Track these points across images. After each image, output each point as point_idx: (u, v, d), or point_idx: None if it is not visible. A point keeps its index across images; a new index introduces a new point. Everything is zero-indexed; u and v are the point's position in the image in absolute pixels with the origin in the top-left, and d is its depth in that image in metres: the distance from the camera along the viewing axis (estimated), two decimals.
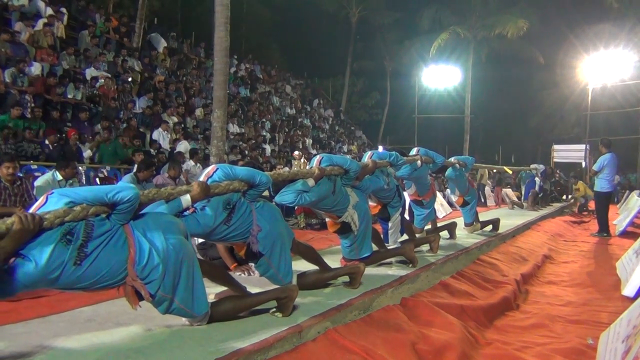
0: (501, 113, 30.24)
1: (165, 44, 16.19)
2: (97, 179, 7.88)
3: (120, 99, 11.39)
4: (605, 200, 8.89)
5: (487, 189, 15.71)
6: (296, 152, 13.00)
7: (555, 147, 22.21)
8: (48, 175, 5.89)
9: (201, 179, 3.00)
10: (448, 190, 12.38)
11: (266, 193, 3.49)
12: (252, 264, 3.76)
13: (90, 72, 11.43)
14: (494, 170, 16.50)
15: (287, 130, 17.69)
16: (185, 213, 2.85)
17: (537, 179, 13.49)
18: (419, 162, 5.50)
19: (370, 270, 4.12)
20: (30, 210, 2.16)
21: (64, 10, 12.85)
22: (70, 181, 5.87)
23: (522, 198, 14.15)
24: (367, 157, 4.67)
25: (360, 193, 4.22)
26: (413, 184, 5.73)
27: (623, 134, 22.05)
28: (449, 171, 6.55)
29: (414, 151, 5.82)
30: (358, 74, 29.83)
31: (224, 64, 8.75)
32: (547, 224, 10.02)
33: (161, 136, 10.84)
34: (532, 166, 14.30)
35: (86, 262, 2.18)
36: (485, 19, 23.05)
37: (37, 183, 5.74)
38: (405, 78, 28.14)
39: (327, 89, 29.16)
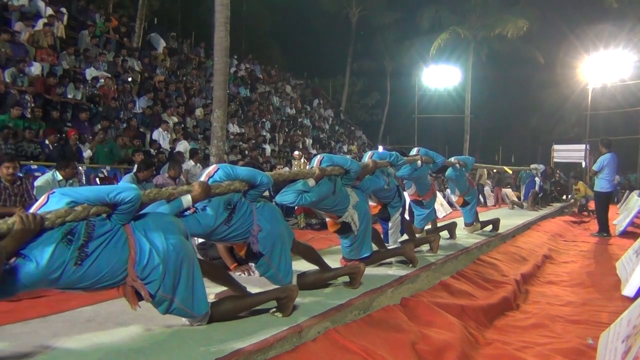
0: (501, 113, 30.24)
1: (165, 45, 16.19)
2: (97, 179, 7.88)
3: (120, 99, 11.39)
4: (605, 200, 8.89)
5: (487, 189, 15.70)
6: (296, 152, 13.00)
7: (555, 147, 22.21)
8: (48, 175, 5.89)
9: (202, 178, 3.00)
10: (448, 190, 12.38)
11: (266, 193, 3.49)
12: (252, 264, 3.77)
13: (90, 72, 11.43)
14: (494, 171, 16.50)
15: (287, 130, 17.69)
16: (186, 213, 2.85)
17: (537, 179, 13.49)
18: (419, 162, 5.49)
19: (370, 270, 4.12)
20: (32, 210, 2.16)
21: (64, 10, 12.85)
22: (70, 181, 5.87)
23: (522, 198, 14.14)
24: (367, 157, 4.67)
25: (360, 193, 4.22)
26: (413, 184, 5.73)
27: (623, 134, 22.03)
28: (449, 171, 6.55)
29: (414, 151, 5.82)
30: (358, 74, 29.82)
31: (224, 64, 8.75)
32: (547, 224, 10.02)
33: (161, 136, 10.84)
34: (532, 166, 14.30)
35: (87, 262, 2.18)
36: (485, 19, 23.05)
37: (37, 183, 5.75)
38: (406, 78, 28.15)
39: (327, 89, 29.16)
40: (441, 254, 5.25)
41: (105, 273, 2.25)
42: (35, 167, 7.20)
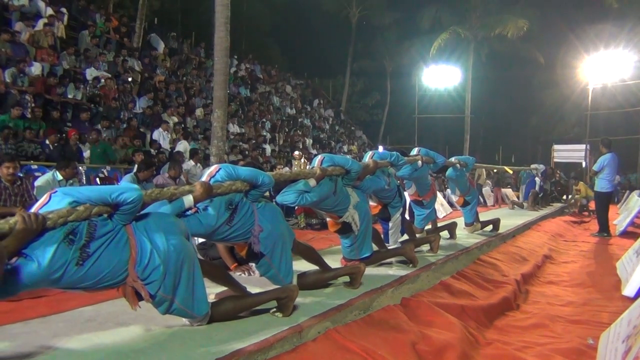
0: (501, 113, 30.25)
1: (164, 46, 16.19)
2: (97, 179, 7.88)
3: (120, 99, 11.40)
4: (606, 200, 8.89)
5: (487, 189, 15.70)
6: (296, 152, 13.00)
7: (556, 147, 22.20)
8: (48, 175, 5.89)
9: (204, 178, 3.00)
10: (448, 190, 12.39)
11: (266, 193, 3.49)
12: (252, 264, 3.76)
13: (90, 72, 11.43)
14: (494, 171, 16.49)
15: (287, 130, 17.70)
16: (188, 213, 2.85)
17: (537, 179, 13.48)
18: (419, 162, 5.49)
19: (370, 270, 4.12)
20: (33, 209, 2.16)
21: (64, 10, 12.86)
22: (71, 181, 5.87)
23: (522, 198, 14.13)
24: (368, 157, 4.67)
25: (360, 193, 4.22)
26: (413, 184, 5.73)
27: (623, 134, 22.03)
28: (449, 171, 6.55)
29: (414, 151, 5.82)
30: (358, 74, 29.83)
31: (224, 64, 8.75)
32: (548, 224, 10.02)
33: (161, 136, 10.84)
34: (533, 166, 14.29)
35: (88, 263, 2.17)
36: (485, 19, 23.06)
37: (37, 183, 5.75)
38: (406, 78, 28.16)
39: (328, 89, 29.17)
40: (441, 254, 5.25)
41: (106, 273, 2.25)
42: (35, 167, 7.20)
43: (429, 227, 6.30)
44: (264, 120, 16.93)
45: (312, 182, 3.62)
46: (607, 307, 4.13)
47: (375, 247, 4.48)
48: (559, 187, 15.58)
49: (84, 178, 7.52)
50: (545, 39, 24.67)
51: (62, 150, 8.03)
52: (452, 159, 6.67)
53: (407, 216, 5.57)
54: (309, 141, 18.02)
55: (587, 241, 8.40)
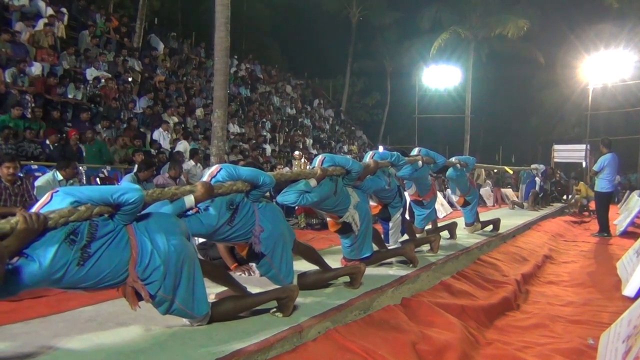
0: (502, 113, 30.23)
1: (164, 46, 16.19)
2: (98, 179, 7.88)
3: (120, 99, 11.40)
4: (606, 200, 8.88)
5: (487, 189, 15.69)
6: (296, 152, 13.00)
7: (556, 147, 22.20)
8: (48, 175, 5.90)
9: (205, 178, 3.00)
10: (448, 190, 12.39)
11: (267, 193, 3.49)
12: (253, 264, 3.76)
13: (90, 72, 11.44)
14: (495, 171, 16.49)
15: (287, 130, 17.70)
16: (189, 213, 2.85)
17: (537, 179, 13.48)
18: (420, 162, 5.49)
19: (370, 270, 4.12)
20: (34, 208, 2.15)
21: (64, 10, 12.86)
22: (71, 181, 5.88)
23: (522, 198, 14.13)
24: (368, 157, 4.67)
25: (361, 193, 4.22)
26: (413, 184, 5.73)
27: (623, 134, 22.02)
28: (450, 171, 6.55)
29: (415, 151, 5.82)
30: (358, 74, 29.84)
31: (225, 64, 8.75)
32: (548, 224, 10.01)
33: (161, 136, 10.84)
34: (533, 166, 14.29)
35: (89, 263, 2.17)
36: (485, 19, 23.05)
37: (37, 183, 5.75)
38: (406, 78, 28.15)
39: (328, 89, 29.17)
40: (442, 254, 5.25)
41: (107, 273, 2.25)
42: (35, 167, 7.20)
43: (429, 227, 6.30)
44: (264, 120, 16.93)
45: (313, 182, 3.61)
46: (607, 307, 4.13)
47: (375, 247, 4.47)
48: (559, 187, 15.58)
49: (84, 178, 7.52)
50: (546, 39, 24.66)
51: (62, 150, 8.03)
52: (453, 159, 6.67)
53: (407, 216, 5.57)
54: (309, 141, 18.02)
55: (588, 241, 8.40)
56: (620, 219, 10.85)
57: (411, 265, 4.51)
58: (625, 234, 8.94)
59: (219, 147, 8.48)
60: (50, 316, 2.91)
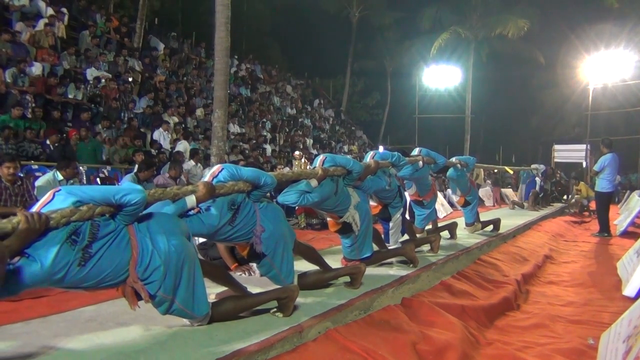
0: (502, 113, 30.22)
1: (164, 46, 16.19)
2: (98, 179, 7.88)
3: (120, 99, 11.41)
4: (606, 200, 8.88)
5: (487, 189, 15.70)
6: (297, 152, 13.00)
7: (556, 147, 22.19)
8: (49, 175, 5.90)
9: (206, 178, 3.00)
10: (449, 190, 12.41)
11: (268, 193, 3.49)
12: (253, 264, 3.76)
13: (91, 72, 11.44)
14: (495, 171, 16.49)
15: (287, 130, 17.70)
16: (190, 213, 2.85)
17: (537, 179, 13.48)
18: (420, 162, 5.49)
19: (371, 270, 4.12)
20: (36, 207, 2.15)
21: (64, 10, 12.86)
22: (71, 181, 5.88)
23: (522, 198, 14.14)
24: (369, 158, 4.67)
25: (361, 193, 4.22)
26: (414, 184, 5.73)
27: (624, 134, 22.02)
28: (450, 171, 6.55)
29: (415, 151, 5.83)
30: (359, 74, 29.83)
31: (225, 64, 8.75)
32: (548, 224, 10.01)
33: (162, 136, 10.85)
34: (533, 166, 14.30)
35: (90, 263, 2.17)
36: (486, 19, 23.04)
37: (37, 183, 5.75)
38: (406, 78, 28.13)
39: (328, 89, 29.17)
40: (442, 254, 5.25)
41: (107, 273, 2.25)
42: (36, 167, 7.21)
43: (429, 227, 6.30)
44: (265, 120, 16.94)
45: (314, 182, 3.62)
46: (607, 307, 4.13)
47: (375, 247, 4.47)
48: (559, 187, 15.58)
49: (84, 178, 7.53)
50: (546, 39, 24.65)
51: (62, 150, 8.03)
52: (453, 159, 6.67)
53: (407, 216, 5.57)
54: (309, 141, 18.02)
55: (588, 241, 8.39)
56: (620, 219, 10.85)
57: (411, 265, 4.51)
58: (626, 234, 8.94)
59: (219, 147, 8.48)
60: (51, 316, 2.91)
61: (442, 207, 11.22)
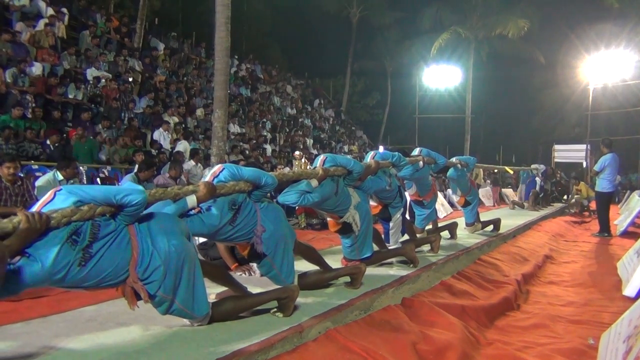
0: (502, 113, 30.25)
1: (164, 46, 16.20)
2: (98, 179, 7.88)
3: (121, 99, 11.41)
4: (607, 201, 8.88)
5: (488, 189, 15.70)
6: (297, 152, 13.00)
7: (556, 147, 22.21)
8: (49, 175, 5.89)
9: (207, 178, 3.00)
10: (449, 190, 12.41)
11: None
12: (253, 264, 3.76)
13: (91, 72, 11.44)
14: (495, 170, 16.49)
15: (287, 130, 17.70)
16: (191, 213, 2.85)
17: (537, 179, 13.48)
18: (421, 162, 5.49)
19: (371, 271, 4.12)
20: (37, 206, 2.15)
21: (64, 10, 12.86)
22: (72, 181, 5.87)
23: (522, 198, 14.13)
24: (369, 158, 4.67)
25: (361, 193, 4.22)
26: (414, 184, 5.72)
27: (624, 134, 22.04)
28: (450, 171, 6.55)
29: (416, 151, 5.83)
30: (359, 74, 29.85)
31: (225, 64, 8.75)
32: (548, 224, 10.01)
33: (162, 136, 10.85)
34: (533, 166, 14.30)
35: (90, 263, 2.17)
36: (486, 19, 23.05)
37: (38, 183, 5.75)
38: (406, 78, 28.15)
39: (328, 89, 29.17)
40: (442, 254, 5.25)
41: (107, 273, 2.25)
42: (36, 167, 7.21)
43: (429, 227, 6.30)
44: (265, 120, 16.94)
45: (314, 182, 3.62)
46: (608, 307, 4.13)
47: (375, 247, 4.47)
48: (559, 187, 15.58)
49: (85, 178, 7.53)
50: (546, 39, 24.68)
51: (62, 150, 8.03)
52: (453, 159, 6.67)
53: (407, 216, 5.57)
54: (309, 141, 18.02)
55: (588, 241, 8.39)
56: (620, 219, 10.84)
57: (412, 265, 4.50)
58: (626, 234, 8.94)
59: (219, 147, 8.48)
60: (51, 316, 2.91)
61: (442, 207, 11.22)
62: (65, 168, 5.78)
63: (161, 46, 16.07)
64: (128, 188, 2.39)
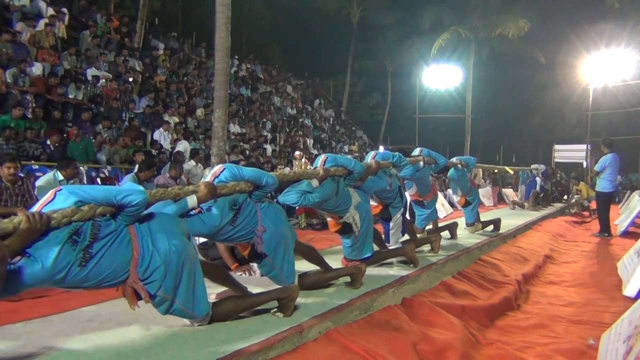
0: (502, 113, 30.24)
1: (164, 46, 16.20)
2: (98, 179, 7.89)
3: (121, 99, 11.42)
4: (607, 201, 8.88)
5: (488, 189, 15.69)
6: (297, 152, 13.01)
7: (557, 147, 22.20)
8: (49, 175, 5.89)
9: (208, 178, 3.00)
10: (449, 190, 12.41)
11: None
12: (254, 264, 3.77)
13: (91, 72, 11.44)
14: (495, 170, 16.49)
15: (288, 130, 17.70)
16: (192, 213, 2.85)
17: (538, 179, 13.48)
18: (421, 163, 5.49)
19: (371, 271, 4.12)
20: (37, 206, 2.15)
21: (65, 10, 12.86)
22: (72, 181, 5.87)
23: (522, 198, 14.13)
24: (370, 158, 4.67)
25: (362, 193, 4.22)
26: (414, 184, 5.72)
27: (624, 134, 22.01)
28: (451, 172, 6.55)
29: (416, 152, 5.83)
30: (359, 74, 29.84)
31: (225, 64, 8.75)
32: (548, 224, 10.01)
33: (162, 136, 10.85)
34: (533, 166, 14.30)
35: (91, 264, 2.17)
36: (486, 19, 23.03)
37: (38, 183, 5.75)
38: (406, 78, 28.14)
39: (328, 89, 29.17)
40: (442, 254, 5.25)
41: (108, 274, 2.25)
42: (36, 167, 7.21)
43: (429, 227, 6.30)
44: (265, 120, 16.94)
45: (315, 182, 3.62)
46: (608, 308, 4.13)
47: (376, 247, 4.47)
48: (559, 187, 15.58)
49: (85, 178, 7.53)
50: (546, 39, 24.65)
51: (63, 150, 8.03)
52: (454, 159, 6.67)
53: (408, 216, 5.57)
54: (309, 141, 18.03)
55: (588, 241, 8.39)
56: (621, 219, 10.84)
57: (412, 266, 4.50)
58: (626, 234, 8.94)
59: (219, 147, 8.48)
60: (51, 316, 2.91)
61: (442, 207, 11.22)
62: (65, 168, 5.78)
63: (161, 46, 16.07)
64: (128, 188, 2.39)
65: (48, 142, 8.09)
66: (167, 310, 2.50)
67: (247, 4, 24.14)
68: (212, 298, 2.98)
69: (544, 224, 9.77)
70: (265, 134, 15.85)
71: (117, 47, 13.71)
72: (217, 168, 3.10)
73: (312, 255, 3.78)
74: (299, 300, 3.04)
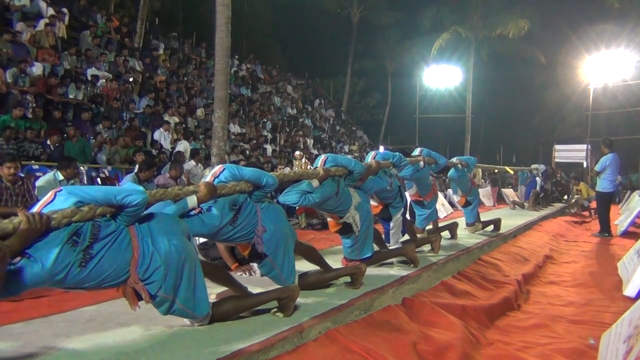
0: (502, 113, 30.24)
1: (164, 46, 16.20)
2: (99, 179, 7.89)
3: (121, 99, 11.42)
4: (607, 201, 8.88)
5: (488, 189, 15.69)
6: (297, 152, 13.00)
7: (557, 147, 22.22)
8: (49, 175, 5.90)
9: (208, 178, 3.00)
10: (449, 190, 12.41)
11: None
12: (254, 264, 3.77)
13: (91, 72, 11.44)
14: (495, 171, 16.49)
15: (288, 130, 17.70)
16: (192, 213, 2.85)
17: (538, 179, 13.48)
18: (421, 163, 5.49)
19: (371, 271, 4.12)
20: (37, 207, 2.15)
21: (65, 10, 12.86)
22: (72, 181, 5.87)
23: (522, 198, 14.13)
24: (370, 158, 4.67)
25: (362, 193, 4.22)
26: (414, 184, 5.72)
27: (625, 134, 22.02)
28: (451, 172, 6.55)
29: (416, 152, 5.82)
30: (359, 74, 29.84)
31: (225, 64, 8.74)
32: (549, 224, 10.01)
33: (162, 136, 10.85)
34: (533, 166, 14.29)
35: (91, 264, 2.17)
36: (486, 19, 23.03)
37: (38, 183, 5.75)
38: (407, 78, 28.14)
39: (328, 89, 29.18)
40: (442, 254, 5.25)
41: (108, 274, 2.25)
42: (36, 167, 7.21)
43: (430, 227, 6.30)
44: (265, 120, 16.94)
45: (315, 182, 3.62)
46: (608, 308, 4.13)
47: (376, 247, 4.47)
48: (560, 187, 15.57)
49: (85, 178, 7.53)
50: (547, 39, 24.65)
51: (63, 150, 8.03)
52: (454, 160, 6.67)
53: (408, 216, 5.56)
54: (309, 141, 18.03)
55: (589, 241, 8.39)
56: (621, 219, 10.84)
57: (412, 266, 4.50)
58: (626, 234, 8.94)
59: (219, 147, 8.48)
60: (51, 316, 2.91)
61: (442, 207, 11.22)
62: (65, 168, 5.79)
63: (161, 46, 16.08)
64: (128, 188, 2.39)
65: (48, 142, 8.09)
66: (168, 310, 2.50)
67: (248, 4, 24.16)
68: (212, 298, 2.98)
69: (544, 224, 9.77)
70: (266, 134, 15.85)
71: (118, 47, 13.71)
72: (217, 168, 3.10)
73: (313, 255, 3.78)
74: (299, 300, 3.04)
